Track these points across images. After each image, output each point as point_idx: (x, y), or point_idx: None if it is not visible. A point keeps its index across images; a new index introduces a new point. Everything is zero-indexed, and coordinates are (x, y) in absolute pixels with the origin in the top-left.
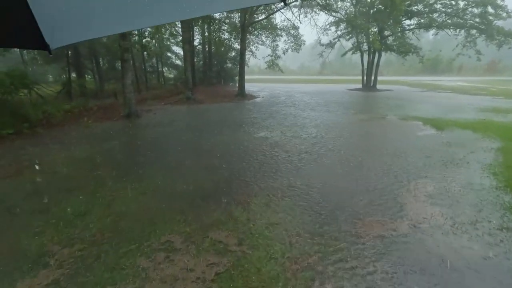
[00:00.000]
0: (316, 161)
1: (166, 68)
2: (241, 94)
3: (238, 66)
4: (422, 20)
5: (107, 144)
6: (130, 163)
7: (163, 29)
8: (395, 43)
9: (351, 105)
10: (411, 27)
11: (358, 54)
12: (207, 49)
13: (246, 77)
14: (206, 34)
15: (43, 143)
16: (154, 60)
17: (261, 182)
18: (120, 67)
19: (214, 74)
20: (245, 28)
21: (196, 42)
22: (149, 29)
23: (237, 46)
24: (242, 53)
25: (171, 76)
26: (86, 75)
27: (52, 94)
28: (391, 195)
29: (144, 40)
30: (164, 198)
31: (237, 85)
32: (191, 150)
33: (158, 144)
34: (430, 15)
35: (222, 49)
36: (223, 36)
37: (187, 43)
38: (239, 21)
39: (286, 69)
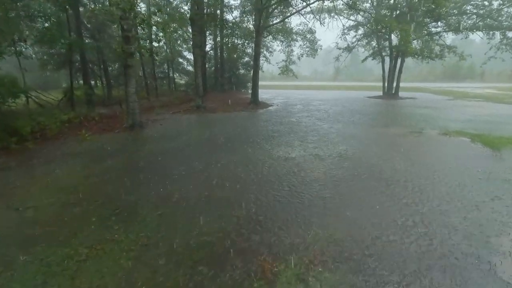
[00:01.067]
0: (362, 199)
1: (177, 74)
2: (255, 102)
3: (252, 71)
4: (451, 22)
5: (98, 166)
6: (118, 198)
7: (173, 32)
8: (420, 47)
9: (376, 115)
10: (438, 29)
11: (373, 59)
12: (219, 54)
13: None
14: (219, 38)
15: (25, 163)
16: (165, 65)
17: (285, 235)
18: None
19: (226, 81)
20: (260, 31)
21: (207, 47)
22: (159, 34)
23: (250, 51)
24: (256, 57)
25: (182, 82)
26: (96, 81)
27: (54, 102)
28: None
29: (149, 44)
30: (156, 262)
31: (250, 92)
32: (197, 176)
33: (157, 168)
34: (460, 17)
35: (235, 55)
36: (236, 40)
37: (197, 47)
38: (253, 24)
39: (298, 75)
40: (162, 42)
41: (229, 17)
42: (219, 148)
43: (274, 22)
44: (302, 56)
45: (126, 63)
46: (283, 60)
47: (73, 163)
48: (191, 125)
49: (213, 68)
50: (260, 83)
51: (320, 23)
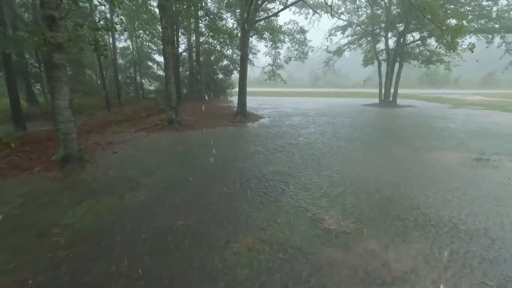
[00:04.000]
0: None
1: (145, 79)
2: (242, 113)
3: (231, 76)
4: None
5: None
6: None
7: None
8: (414, 51)
9: (398, 131)
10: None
11: (346, 64)
12: (194, 57)
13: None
14: (194, 38)
15: None
16: (132, 69)
17: None
18: (94, 76)
19: (203, 87)
20: (247, 27)
21: (181, 48)
22: (107, 14)
23: (229, 53)
24: (243, 60)
25: (152, 88)
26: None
27: None
28: None
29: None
30: None
31: (230, 99)
32: None
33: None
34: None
35: (212, 58)
36: (215, 40)
37: (169, 44)
38: (237, 20)
39: (271, 82)
40: (119, 29)
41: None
42: (203, 214)
43: (264, 16)
44: (290, 60)
45: (51, 61)
46: (269, 64)
47: None
48: (159, 155)
49: (187, 72)
50: (235, 90)
51: (314, 24)
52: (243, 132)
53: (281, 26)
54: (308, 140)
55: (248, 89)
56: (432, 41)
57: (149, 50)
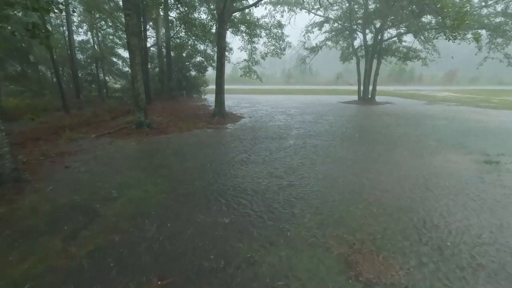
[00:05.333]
0: None
1: (110, 77)
2: (221, 113)
3: (204, 73)
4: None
5: None
6: None
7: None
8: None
9: (387, 135)
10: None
11: (316, 62)
12: (164, 52)
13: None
14: (164, 31)
15: None
16: (94, 65)
17: None
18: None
19: (175, 85)
20: (225, 18)
21: (150, 43)
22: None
23: (203, 48)
24: (221, 54)
25: (118, 86)
26: None
27: None
28: None
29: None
30: None
31: (204, 97)
32: None
33: None
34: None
35: (185, 54)
36: (188, 34)
37: (134, 35)
38: (211, 11)
39: (245, 79)
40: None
41: None
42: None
43: (242, 7)
44: (266, 56)
45: None
46: (244, 60)
47: None
48: (128, 168)
49: (157, 69)
50: (210, 87)
51: (290, 21)
52: (224, 135)
53: (258, 19)
54: (307, 144)
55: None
56: (408, 38)
57: (113, 44)
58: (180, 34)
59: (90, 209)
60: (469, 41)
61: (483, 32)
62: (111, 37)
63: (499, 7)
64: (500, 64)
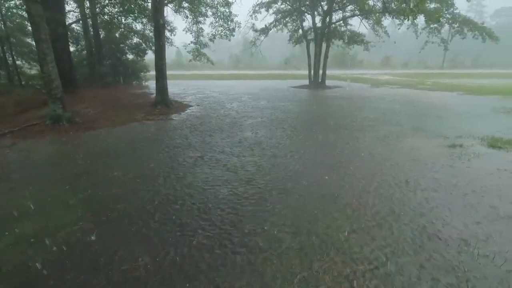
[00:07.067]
0: None
1: (23, 61)
2: (164, 101)
3: (143, 58)
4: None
5: None
6: None
7: None
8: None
9: (346, 117)
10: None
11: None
12: (92, 32)
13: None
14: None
15: None
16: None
17: None
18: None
19: (108, 70)
20: None
21: (70, 19)
22: None
23: (140, 27)
24: (159, 32)
25: (36, 73)
26: None
27: None
28: None
29: None
30: None
31: (145, 84)
32: None
33: None
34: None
35: (118, 34)
36: (116, 7)
37: (36, 0)
38: None
39: (192, 64)
40: None
41: None
42: None
43: None
44: (214, 38)
45: None
46: (191, 42)
47: None
48: (32, 182)
49: (84, 52)
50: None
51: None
52: (167, 128)
53: None
54: (264, 134)
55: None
56: (354, 22)
57: (21, 21)
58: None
59: None
60: (425, 21)
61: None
62: (15, 10)
63: None
64: (425, 49)
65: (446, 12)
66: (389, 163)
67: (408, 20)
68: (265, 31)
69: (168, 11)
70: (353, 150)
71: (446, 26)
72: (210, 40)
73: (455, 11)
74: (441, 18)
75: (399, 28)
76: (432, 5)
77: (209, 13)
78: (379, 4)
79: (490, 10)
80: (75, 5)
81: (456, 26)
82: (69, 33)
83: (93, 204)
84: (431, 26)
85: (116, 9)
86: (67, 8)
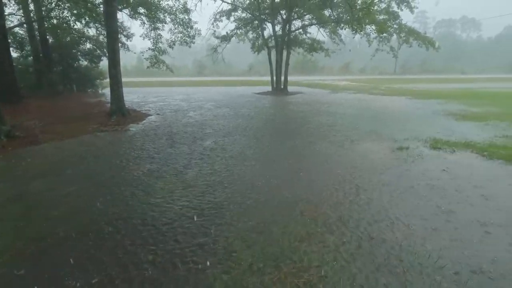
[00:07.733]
0: None
1: None
2: (120, 110)
3: (98, 64)
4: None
5: None
6: None
7: None
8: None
9: (307, 123)
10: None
11: (228, 53)
12: (38, 36)
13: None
14: (32, 9)
15: None
16: None
17: None
18: None
19: (58, 77)
20: None
21: (11, 22)
22: None
23: (93, 33)
24: (113, 38)
25: None
26: None
27: None
28: None
29: None
30: None
31: (102, 92)
32: None
33: None
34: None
35: (69, 39)
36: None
37: None
38: None
39: (154, 71)
40: None
41: None
42: None
43: None
44: (174, 44)
45: None
46: (150, 49)
47: None
48: None
49: (30, 57)
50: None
51: (197, 7)
52: (123, 140)
53: (159, 0)
54: (225, 142)
55: (125, 79)
56: (313, 30)
57: None
58: (52, 13)
59: None
60: (375, 31)
61: (372, 27)
62: None
63: (382, 5)
64: (379, 56)
65: (393, 23)
66: (344, 166)
67: (356, 33)
68: (226, 38)
69: (124, 17)
70: (313, 155)
71: (395, 36)
72: (170, 46)
73: (401, 22)
74: (389, 29)
75: (353, 37)
76: (381, 17)
77: (168, 19)
78: (335, 14)
79: (433, 22)
80: (16, 7)
81: (403, 35)
82: (11, 38)
83: (27, 231)
84: (381, 35)
85: (65, 13)
86: (8, 10)
